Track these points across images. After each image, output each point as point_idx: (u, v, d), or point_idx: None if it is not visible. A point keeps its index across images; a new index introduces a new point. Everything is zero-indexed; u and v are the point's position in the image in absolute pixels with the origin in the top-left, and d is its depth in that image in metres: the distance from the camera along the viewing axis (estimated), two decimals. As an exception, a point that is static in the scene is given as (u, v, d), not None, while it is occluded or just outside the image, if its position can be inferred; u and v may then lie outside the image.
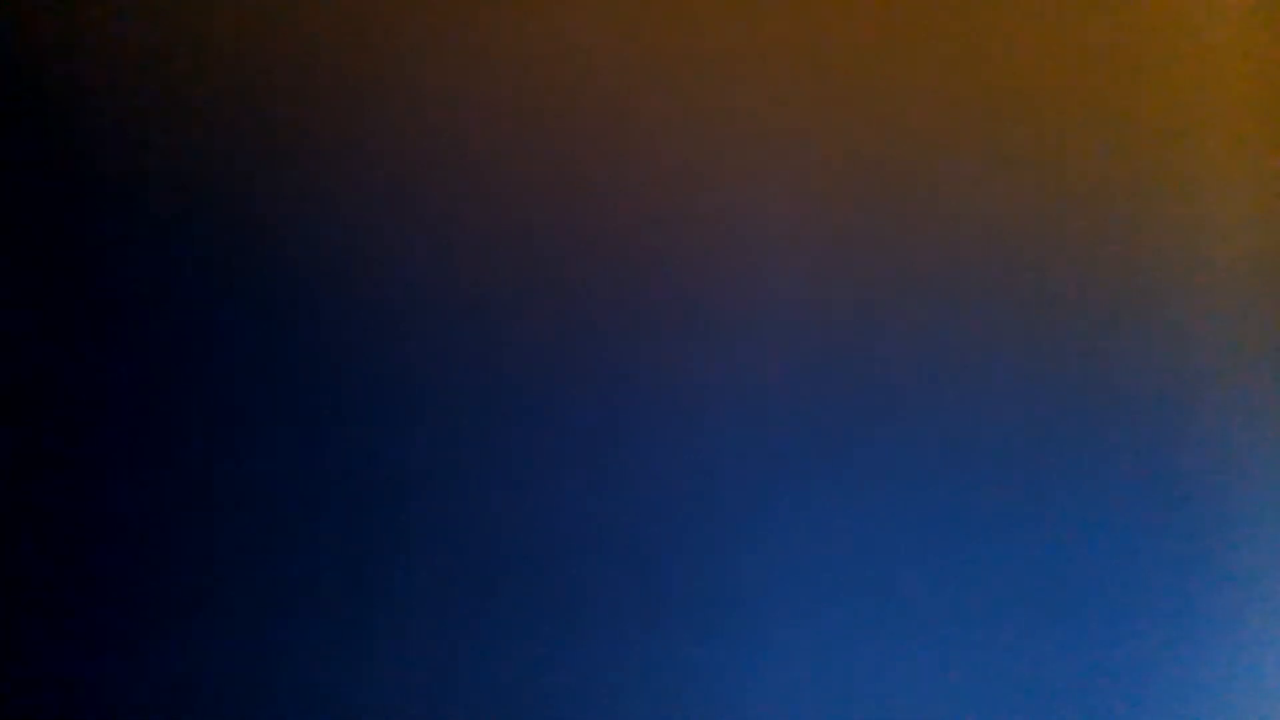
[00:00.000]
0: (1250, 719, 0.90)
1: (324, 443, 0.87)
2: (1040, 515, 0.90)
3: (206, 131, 0.88)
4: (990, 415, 0.90)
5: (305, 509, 0.87)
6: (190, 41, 0.88)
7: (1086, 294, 0.90)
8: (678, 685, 0.88)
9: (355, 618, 0.87)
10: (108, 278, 0.87)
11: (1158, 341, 0.91)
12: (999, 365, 0.90)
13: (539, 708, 0.87)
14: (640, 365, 0.88)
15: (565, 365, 0.88)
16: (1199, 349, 0.91)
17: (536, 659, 0.88)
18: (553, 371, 0.88)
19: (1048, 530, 0.89)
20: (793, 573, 0.89)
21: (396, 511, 0.87)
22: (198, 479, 0.87)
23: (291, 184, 0.88)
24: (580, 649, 0.88)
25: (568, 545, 0.88)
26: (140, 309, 0.87)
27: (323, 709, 0.87)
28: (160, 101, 0.88)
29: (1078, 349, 0.90)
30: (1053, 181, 0.91)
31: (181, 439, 0.87)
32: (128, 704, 0.86)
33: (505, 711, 0.87)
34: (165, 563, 0.87)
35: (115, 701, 0.86)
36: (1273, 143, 0.92)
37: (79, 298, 0.87)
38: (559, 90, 0.89)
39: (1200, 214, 0.91)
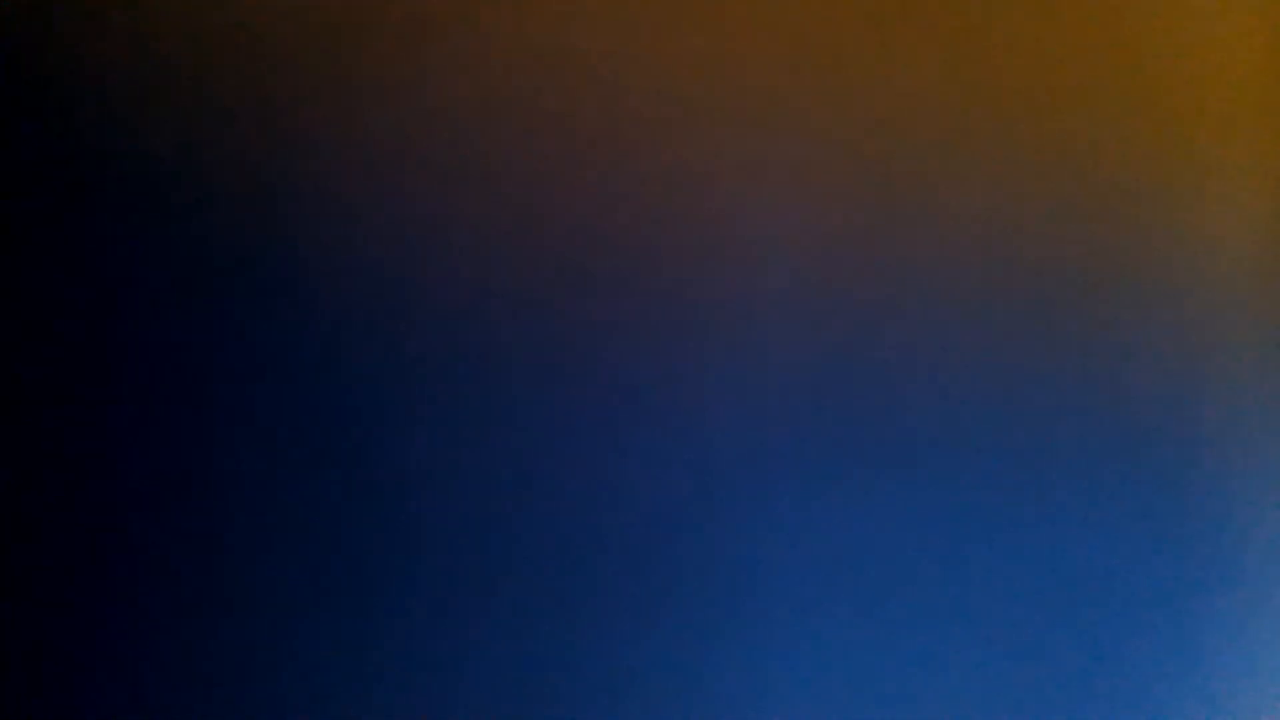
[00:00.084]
0: (1250, 718, 0.90)
1: (325, 441, 0.87)
2: (1041, 514, 0.90)
3: (206, 131, 0.88)
4: (991, 414, 0.90)
5: (306, 508, 0.87)
6: (190, 41, 0.88)
7: (1087, 294, 0.90)
8: (679, 683, 0.88)
9: (357, 617, 0.87)
10: (107, 277, 0.87)
11: (1159, 341, 0.91)
12: (1000, 364, 0.90)
13: (541, 706, 0.87)
14: (641, 364, 0.88)
15: (566, 364, 0.88)
16: (1200, 348, 0.91)
17: (538, 657, 0.88)
18: (553, 370, 0.88)
19: (1049, 529, 0.89)
20: (794, 571, 0.89)
21: (397, 511, 0.87)
22: (198, 478, 0.87)
23: (292, 184, 0.88)
24: (582, 647, 0.88)
25: (569, 544, 0.88)
26: (140, 309, 0.87)
27: (324, 708, 0.87)
28: (160, 101, 0.88)
29: (1079, 348, 0.90)
30: (1053, 181, 0.91)
31: (182, 438, 0.87)
32: (128, 704, 0.86)
33: (508, 709, 0.87)
34: (166, 562, 0.87)
35: (116, 701, 0.86)
36: (1273, 143, 0.92)
37: (79, 297, 0.87)
38: (559, 90, 0.89)
39: (1201, 214, 0.91)
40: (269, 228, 0.87)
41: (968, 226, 0.90)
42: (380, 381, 0.88)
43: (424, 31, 0.89)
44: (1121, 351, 0.91)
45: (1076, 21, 0.91)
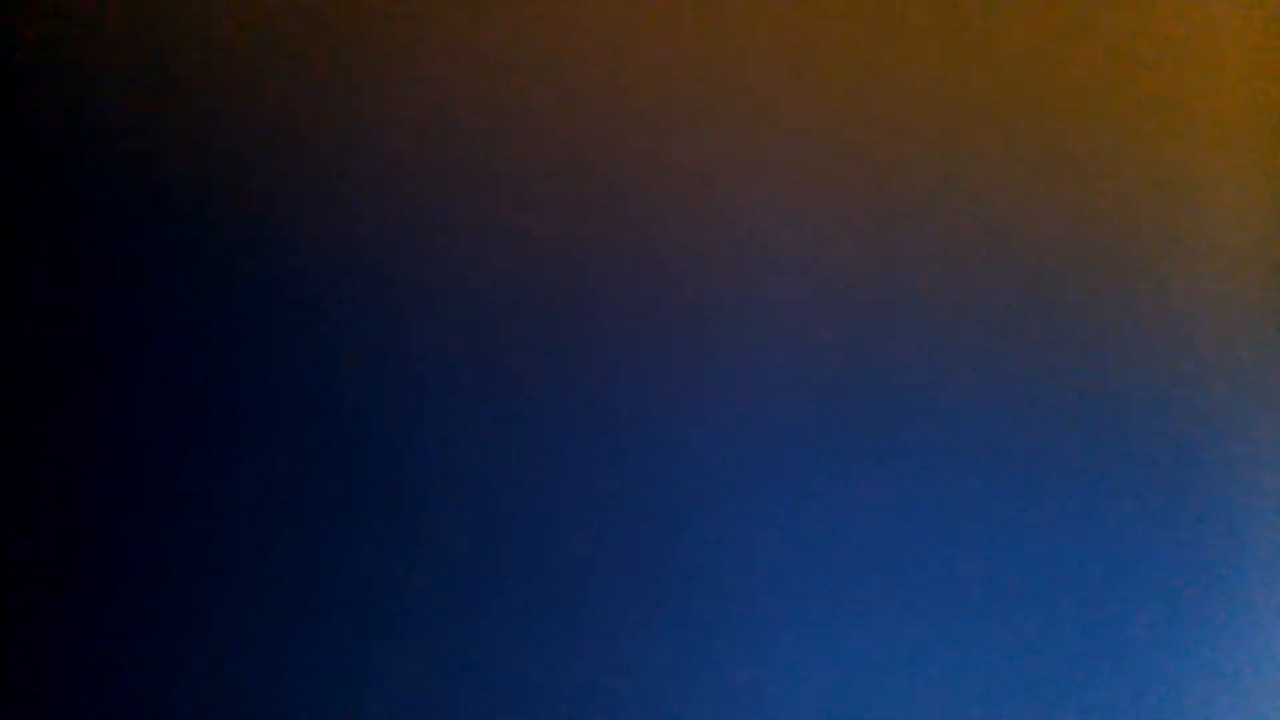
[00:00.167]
0: (1251, 717, 0.90)
1: (326, 441, 0.87)
2: (1041, 513, 0.90)
3: (206, 131, 0.88)
4: (990, 413, 0.90)
5: (307, 508, 0.87)
6: (190, 41, 0.88)
7: (1085, 293, 0.90)
8: (679, 682, 0.88)
9: (357, 617, 0.87)
10: (107, 278, 0.87)
11: (1160, 340, 0.91)
12: (999, 363, 0.90)
13: (541, 706, 0.87)
14: (642, 363, 0.88)
15: (566, 363, 0.88)
16: (1201, 348, 0.91)
17: (537, 657, 0.88)
18: (554, 369, 0.88)
19: (1048, 528, 0.89)
20: (795, 570, 0.89)
21: (397, 511, 0.87)
22: (199, 478, 0.87)
23: (293, 184, 0.88)
24: (582, 647, 0.88)
25: (570, 544, 0.88)
26: (141, 309, 0.87)
27: (324, 707, 0.87)
28: (160, 102, 0.88)
29: (1077, 348, 0.90)
30: (1053, 181, 0.91)
31: (183, 438, 0.87)
32: (129, 704, 0.86)
33: (507, 709, 0.87)
34: (168, 562, 0.87)
35: (116, 701, 0.86)
36: (1272, 143, 0.92)
37: (79, 298, 0.87)
38: (560, 90, 0.89)
39: (1200, 213, 0.91)
40: (270, 228, 0.88)
41: (966, 226, 0.90)
42: (381, 379, 0.88)
43: (424, 32, 0.89)
44: (1119, 350, 0.90)
45: (1075, 22, 0.91)
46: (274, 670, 0.87)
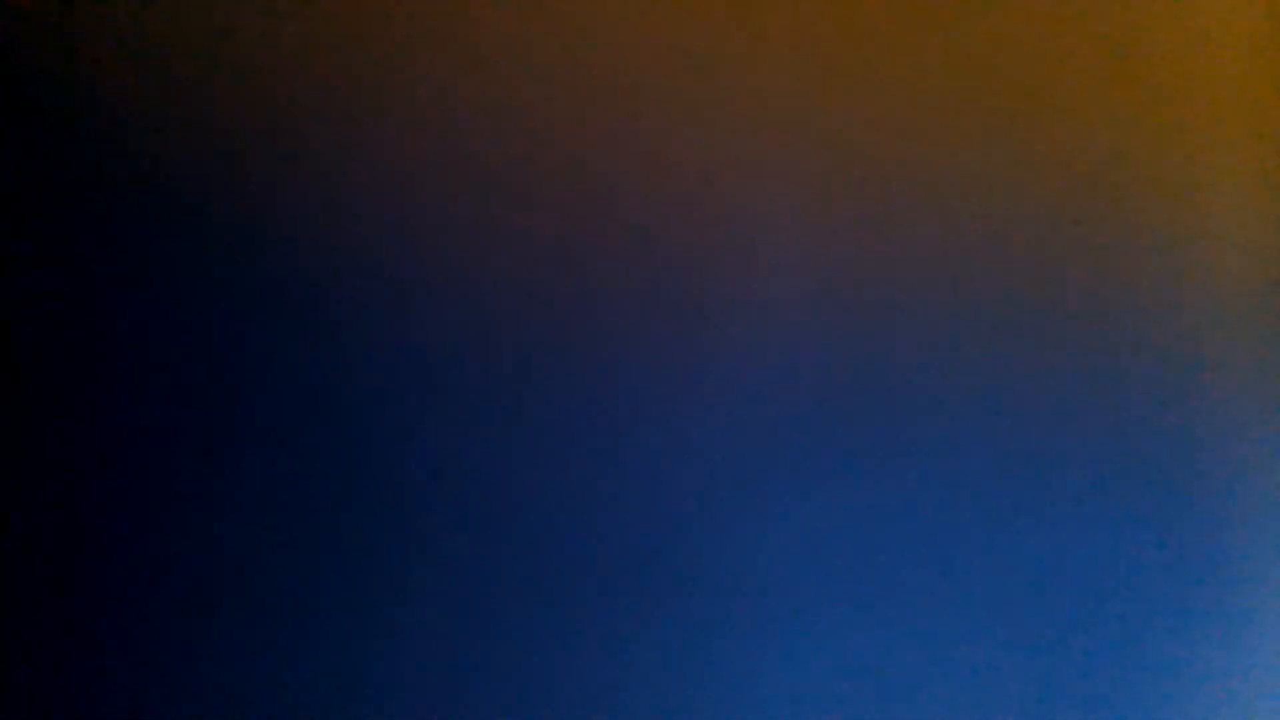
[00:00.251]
0: (1250, 717, 0.90)
1: (326, 441, 0.87)
2: (1041, 513, 0.90)
3: (207, 132, 0.88)
4: (991, 413, 0.90)
5: (308, 507, 0.87)
6: (191, 41, 0.88)
7: (1086, 293, 0.90)
8: (680, 682, 0.88)
9: (357, 617, 0.87)
10: (107, 278, 0.87)
11: (1157, 339, 0.91)
12: (999, 363, 0.90)
13: (542, 704, 0.87)
14: (642, 362, 0.88)
15: (566, 363, 0.88)
16: (1200, 347, 0.91)
17: (539, 655, 0.88)
18: (554, 369, 0.88)
19: (1049, 527, 0.89)
20: (795, 569, 0.89)
21: (400, 509, 0.87)
22: (201, 477, 0.87)
23: (293, 183, 0.88)
24: (582, 646, 0.88)
25: (569, 543, 0.88)
26: (142, 309, 0.87)
27: (325, 707, 0.87)
28: (160, 101, 0.88)
29: (1077, 347, 0.90)
30: (1055, 181, 0.91)
31: (182, 437, 0.87)
32: (129, 704, 0.86)
33: (507, 709, 0.87)
34: (168, 562, 0.87)
35: (117, 701, 0.86)
36: (1272, 143, 0.92)
37: (80, 298, 0.87)
38: (560, 89, 0.89)
39: (1200, 213, 0.91)
40: (270, 228, 0.88)
41: (967, 226, 0.90)
42: (382, 379, 0.88)
43: (424, 32, 0.89)
44: (1119, 350, 0.90)
45: (1075, 22, 0.91)
46: (274, 670, 0.87)
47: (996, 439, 0.90)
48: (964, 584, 0.89)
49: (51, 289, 0.87)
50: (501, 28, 0.89)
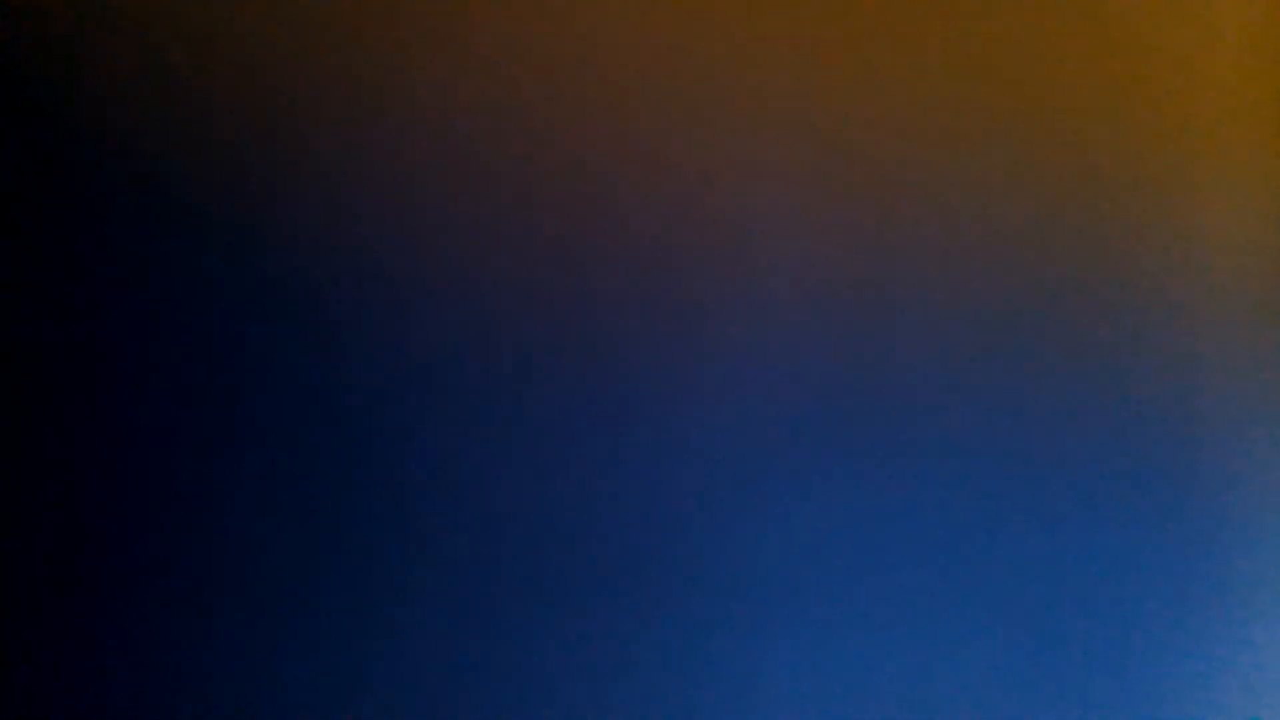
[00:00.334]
0: (1251, 717, 0.90)
1: (326, 441, 0.87)
2: (1041, 513, 0.90)
3: (206, 131, 0.88)
4: (991, 413, 0.90)
5: (308, 507, 0.87)
6: (191, 40, 0.88)
7: (1087, 294, 0.90)
8: (680, 682, 0.88)
9: (357, 617, 0.87)
10: (107, 278, 0.87)
11: (1158, 339, 0.91)
12: (999, 362, 0.90)
13: (542, 704, 0.87)
14: (643, 362, 0.88)
15: (567, 362, 0.88)
16: (1200, 347, 0.91)
17: (538, 655, 0.88)
18: (554, 369, 0.88)
19: (1049, 528, 0.89)
20: (795, 569, 0.89)
21: (400, 509, 0.87)
22: (201, 477, 0.87)
23: (294, 183, 0.88)
24: (582, 646, 0.88)
25: (569, 543, 0.88)
26: (143, 309, 0.87)
27: (325, 707, 0.87)
28: (160, 101, 0.88)
29: (1078, 347, 0.90)
30: (1055, 181, 0.91)
31: (182, 437, 0.87)
32: (129, 703, 0.86)
33: (510, 707, 0.87)
34: (168, 562, 0.87)
35: (116, 701, 0.86)
36: (1272, 143, 0.92)
37: (81, 297, 0.87)
38: (560, 89, 0.89)
39: (1200, 213, 0.91)
40: (269, 228, 0.88)
41: (967, 225, 0.90)
42: (383, 379, 0.88)
43: (424, 34, 0.89)
44: (1120, 349, 0.90)
45: (1075, 22, 0.91)
46: (274, 670, 0.87)
47: (996, 439, 0.90)
48: (964, 584, 0.89)
49: (51, 289, 0.87)
50: (501, 28, 0.89)
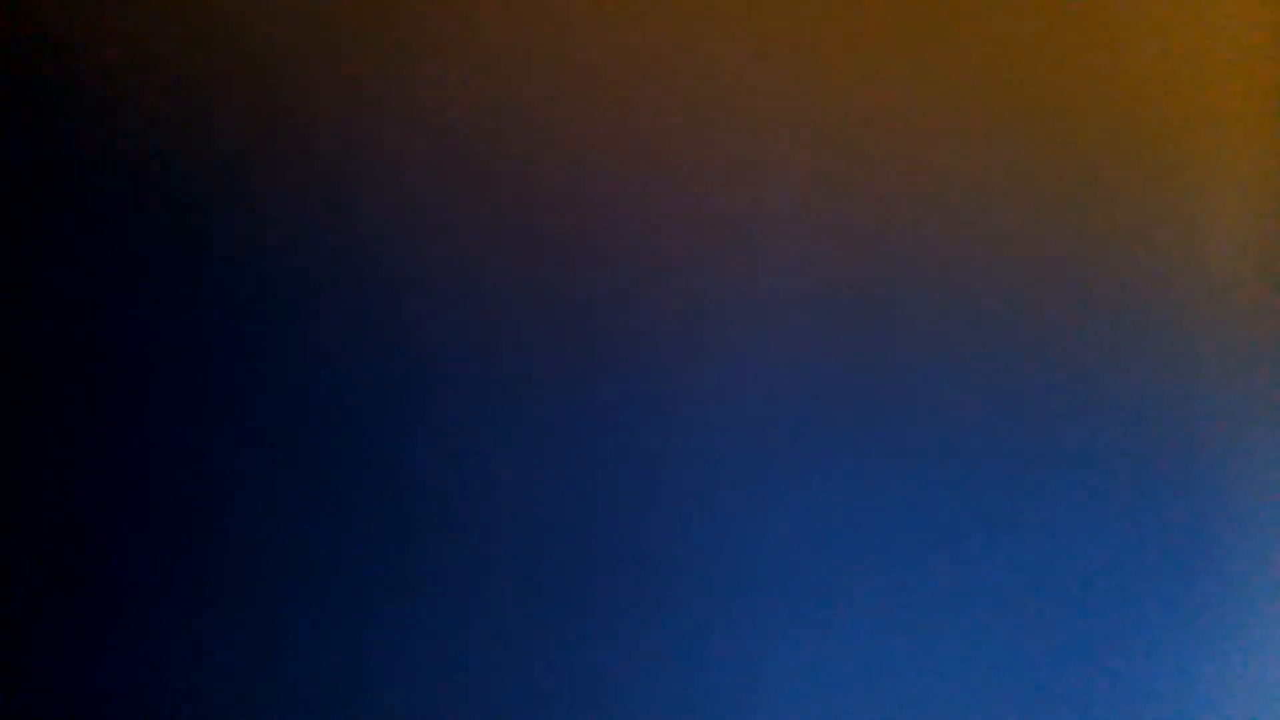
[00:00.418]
0: (1252, 717, 0.90)
1: (325, 440, 0.87)
2: (1041, 513, 0.90)
3: (205, 130, 0.88)
4: (991, 413, 0.90)
5: (307, 507, 0.87)
6: (191, 40, 0.88)
7: (1087, 293, 0.90)
8: (680, 680, 0.88)
9: (356, 616, 0.87)
10: (109, 278, 0.87)
11: (1158, 339, 0.91)
12: (1000, 362, 0.90)
13: (542, 704, 0.87)
14: (643, 361, 0.88)
15: (567, 362, 0.88)
16: (1200, 347, 0.91)
17: (538, 655, 0.88)
18: (554, 369, 0.88)
19: (1049, 528, 0.89)
20: (796, 568, 0.89)
21: (399, 509, 0.87)
22: (200, 477, 0.87)
23: (293, 183, 0.88)
24: (582, 646, 0.88)
25: (570, 543, 0.88)
26: (143, 308, 0.87)
27: (325, 707, 0.87)
28: (160, 101, 0.88)
29: (1078, 347, 0.90)
30: (1055, 180, 0.91)
31: (181, 436, 0.87)
32: (130, 703, 0.86)
33: (510, 707, 0.87)
34: (168, 561, 0.87)
35: (116, 701, 0.86)
36: (1273, 142, 0.92)
37: (81, 297, 0.87)
38: (560, 89, 0.89)
39: (1202, 213, 0.91)
40: (269, 227, 0.88)
41: (967, 226, 0.90)
42: (383, 379, 0.88)
43: (423, 31, 0.89)
44: (1121, 350, 0.90)
45: (1076, 22, 0.91)
46: (274, 669, 0.87)
47: (996, 438, 0.90)
48: (964, 584, 0.89)
49: (52, 289, 0.87)
50: (501, 27, 0.89)
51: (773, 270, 0.89)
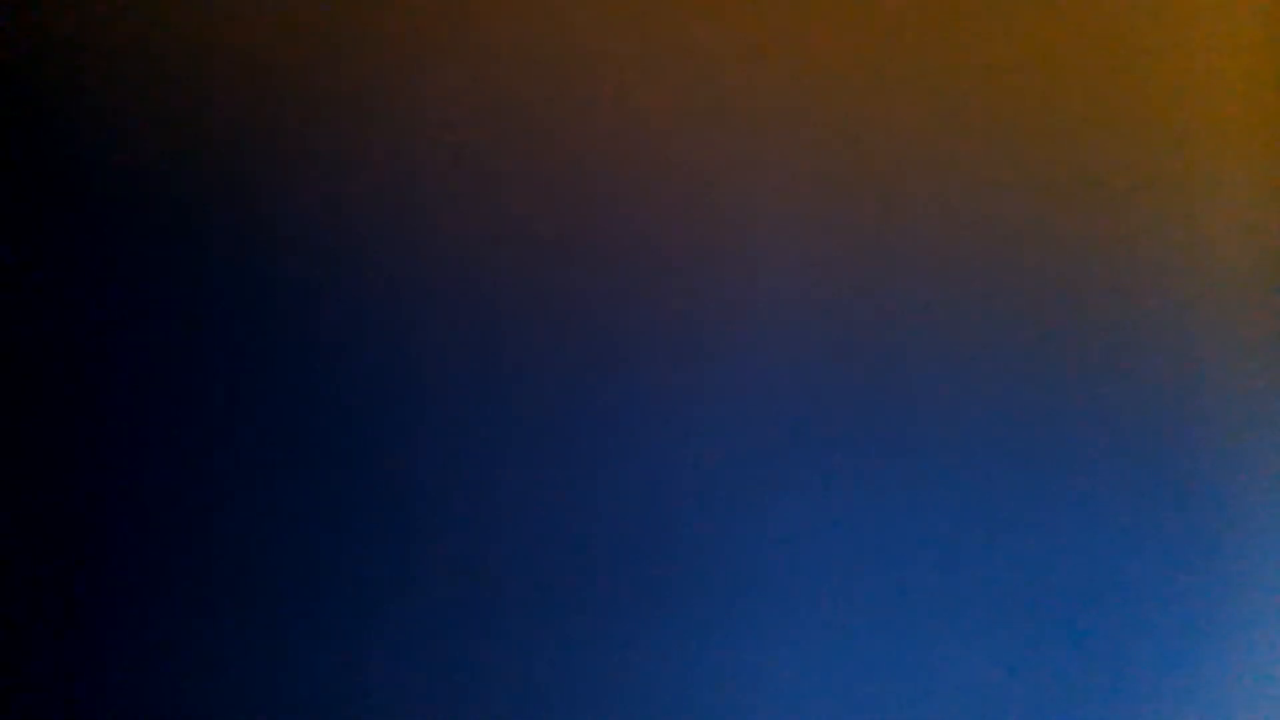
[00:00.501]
0: (1252, 718, 0.90)
1: (326, 441, 0.87)
2: (1041, 514, 0.90)
3: (206, 130, 0.88)
4: (991, 414, 0.90)
5: (307, 507, 0.87)
6: (191, 40, 0.88)
7: (1087, 293, 0.90)
8: (680, 681, 0.88)
9: (357, 617, 0.87)
10: (109, 278, 0.87)
11: (1160, 340, 0.91)
12: (1000, 364, 0.90)
13: (542, 704, 0.87)
14: (643, 362, 0.88)
15: (567, 362, 0.88)
16: (1200, 347, 0.91)
17: (538, 656, 0.88)
18: (555, 368, 0.88)
19: (1048, 527, 0.89)
20: (796, 569, 0.89)
21: (399, 509, 0.87)
22: (200, 477, 0.87)
23: (294, 183, 0.88)
24: (582, 646, 0.88)
25: (570, 543, 0.88)
26: (144, 309, 0.87)
27: (325, 707, 0.87)
28: (161, 101, 0.88)
29: (1079, 348, 0.90)
30: (1055, 181, 0.91)
31: (182, 437, 0.87)
32: (130, 703, 0.86)
33: (510, 707, 0.87)
34: (168, 562, 0.87)
35: (116, 701, 0.86)
36: (1273, 143, 0.92)
37: (82, 298, 0.87)
38: (561, 90, 0.89)
39: (1202, 213, 0.91)
40: (269, 228, 0.88)
41: (968, 226, 0.90)
42: (383, 380, 0.88)
43: (424, 33, 0.89)
44: (1121, 350, 0.90)
45: (1076, 23, 0.91)
46: (274, 670, 0.87)
47: (996, 439, 0.90)
48: (964, 585, 0.89)
49: (52, 289, 0.87)
50: (502, 28, 0.89)
51: (773, 270, 0.89)
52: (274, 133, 0.88)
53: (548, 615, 0.88)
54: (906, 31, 0.90)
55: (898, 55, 0.90)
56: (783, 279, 0.89)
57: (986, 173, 0.90)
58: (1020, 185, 0.90)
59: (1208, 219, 0.91)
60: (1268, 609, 0.90)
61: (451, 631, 0.87)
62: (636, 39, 0.89)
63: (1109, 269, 0.91)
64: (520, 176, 0.89)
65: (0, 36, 0.87)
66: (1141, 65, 0.91)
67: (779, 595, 0.89)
